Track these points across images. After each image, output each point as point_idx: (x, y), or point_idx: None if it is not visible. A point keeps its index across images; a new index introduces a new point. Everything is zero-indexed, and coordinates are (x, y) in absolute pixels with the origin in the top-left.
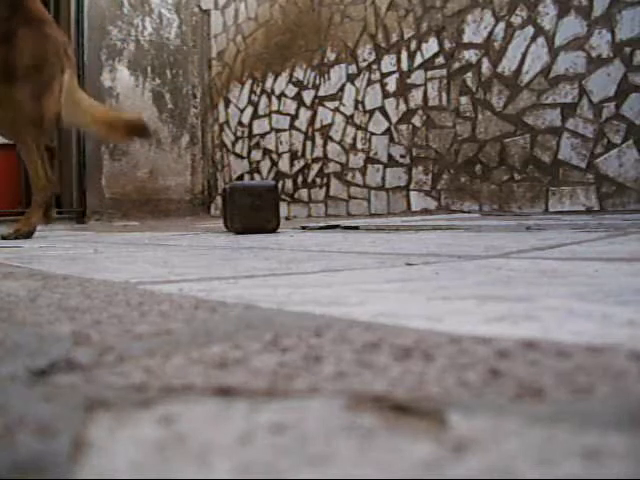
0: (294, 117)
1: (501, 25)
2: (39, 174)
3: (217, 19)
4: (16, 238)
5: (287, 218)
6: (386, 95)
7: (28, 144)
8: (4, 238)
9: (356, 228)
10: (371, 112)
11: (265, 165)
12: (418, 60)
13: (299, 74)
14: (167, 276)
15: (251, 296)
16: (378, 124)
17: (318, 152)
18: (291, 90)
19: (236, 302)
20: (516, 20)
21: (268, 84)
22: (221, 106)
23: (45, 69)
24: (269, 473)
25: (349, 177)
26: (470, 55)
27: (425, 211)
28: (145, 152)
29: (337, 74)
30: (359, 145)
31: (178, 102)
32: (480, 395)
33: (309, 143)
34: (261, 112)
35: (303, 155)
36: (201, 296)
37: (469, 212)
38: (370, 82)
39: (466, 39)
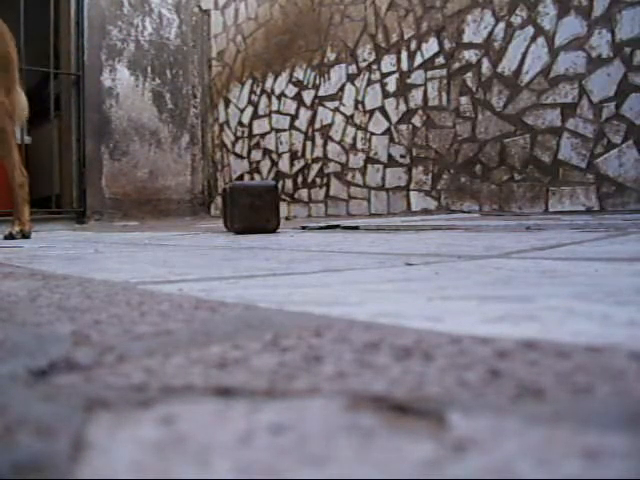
0: (294, 117)
1: (501, 25)
2: (19, 170)
3: (217, 19)
4: (23, 237)
5: (287, 218)
6: (386, 95)
7: (9, 140)
8: (12, 237)
9: (356, 228)
10: (371, 112)
11: (265, 165)
12: (418, 60)
13: (299, 74)
14: (167, 276)
15: (251, 296)
16: (378, 124)
17: (318, 152)
18: (291, 90)
19: (236, 302)
20: (516, 20)
21: (268, 84)
22: (221, 106)
23: (12, 64)
24: (269, 473)
25: (349, 177)
26: (470, 55)
27: (425, 211)
28: (145, 152)
29: (337, 74)
30: (359, 145)
31: (178, 102)
32: (480, 395)
33: (309, 143)
34: (261, 112)
35: (303, 155)
36: (201, 296)
37: (469, 212)
38: (370, 82)
39: (466, 39)
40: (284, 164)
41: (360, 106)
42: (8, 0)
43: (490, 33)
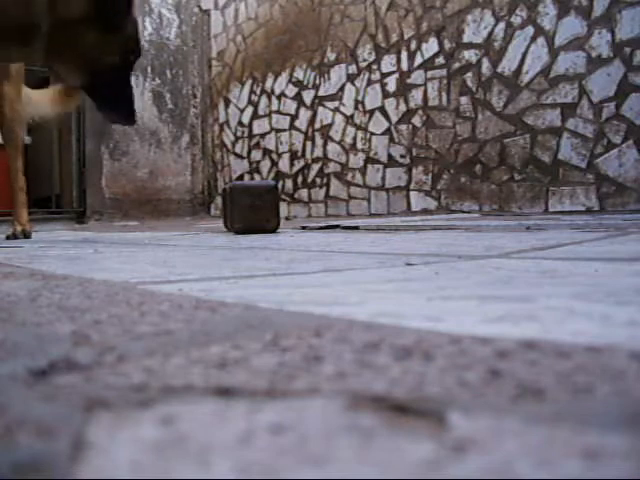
0: (294, 117)
1: (501, 25)
2: (21, 174)
3: (217, 19)
4: (25, 237)
5: (287, 218)
6: (386, 95)
7: (19, 143)
8: (15, 237)
9: (356, 228)
10: (371, 112)
11: (265, 165)
12: (418, 60)
13: (299, 74)
14: (167, 276)
15: (251, 296)
16: (378, 124)
17: (318, 152)
18: (291, 90)
19: (236, 302)
20: (516, 20)
21: (268, 84)
22: (221, 106)
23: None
24: (269, 473)
25: (349, 177)
26: (470, 55)
27: (425, 211)
28: (145, 152)
29: (337, 74)
30: (359, 145)
31: (178, 102)
32: (480, 395)
33: (309, 143)
34: (261, 112)
35: (303, 155)
36: (201, 296)
37: (469, 212)
38: (370, 82)
39: (466, 39)
40: (284, 164)
41: (360, 106)
42: None
43: (490, 33)
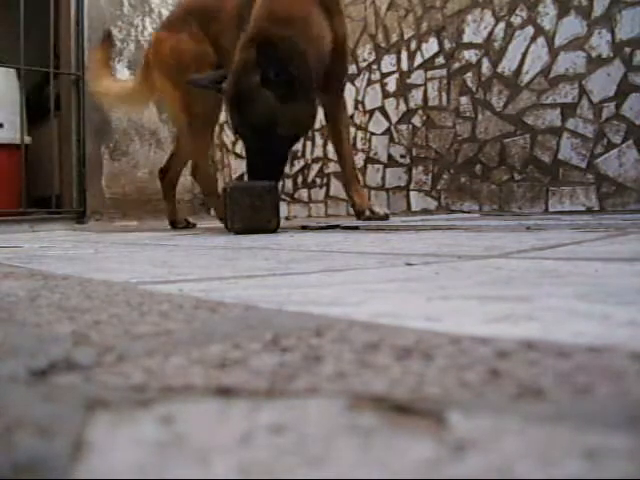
0: None
1: (501, 25)
2: None
3: None
4: None
5: (287, 218)
6: (386, 95)
7: None
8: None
9: (356, 228)
10: (371, 112)
11: None
12: (418, 60)
13: None
14: (167, 276)
15: (251, 296)
16: (378, 124)
17: (318, 152)
18: None
19: (236, 302)
20: (516, 20)
21: None
22: None
23: None
24: (269, 473)
25: None
26: (470, 55)
27: (425, 211)
28: (145, 152)
29: None
30: (359, 145)
31: None
32: (480, 395)
33: (309, 143)
34: None
35: (303, 155)
36: (201, 296)
37: (469, 212)
38: (370, 82)
39: (466, 39)
40: None
41: (360, 106)
42: (8, 0)
43: (490, 33)
